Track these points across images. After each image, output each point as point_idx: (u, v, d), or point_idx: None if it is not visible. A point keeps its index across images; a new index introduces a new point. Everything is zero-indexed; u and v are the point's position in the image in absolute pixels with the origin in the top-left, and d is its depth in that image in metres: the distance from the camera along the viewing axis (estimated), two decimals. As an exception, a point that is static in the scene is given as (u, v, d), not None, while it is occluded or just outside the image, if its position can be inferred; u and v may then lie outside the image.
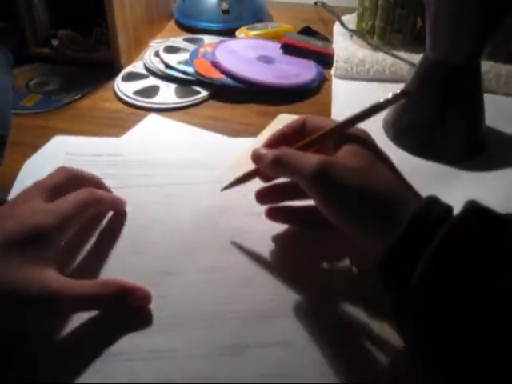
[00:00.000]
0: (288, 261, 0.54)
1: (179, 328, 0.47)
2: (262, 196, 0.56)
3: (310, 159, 0.45)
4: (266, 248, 0.55)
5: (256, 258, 0.54)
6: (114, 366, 0.44)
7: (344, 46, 0.95)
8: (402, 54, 0.91)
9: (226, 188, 0.55)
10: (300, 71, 0.89)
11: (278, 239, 0.56)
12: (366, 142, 0.48)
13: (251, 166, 0.53)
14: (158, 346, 0.46)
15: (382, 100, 0.48)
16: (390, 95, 0.48)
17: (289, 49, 0.95)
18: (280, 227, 0.56)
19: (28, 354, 0.45)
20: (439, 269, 0.38)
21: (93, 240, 0.55)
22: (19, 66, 0.92)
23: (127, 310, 0.48)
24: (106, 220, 0.57)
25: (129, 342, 0.46)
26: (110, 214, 0.58)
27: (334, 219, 0.46)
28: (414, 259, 0.39)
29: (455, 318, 0.38)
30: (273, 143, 0.53)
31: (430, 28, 0.67)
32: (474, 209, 0.40)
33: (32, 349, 0.45)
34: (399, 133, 0.74)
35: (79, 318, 0.47)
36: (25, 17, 0.93)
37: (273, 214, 0.56)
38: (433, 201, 0.42)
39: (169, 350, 0.45)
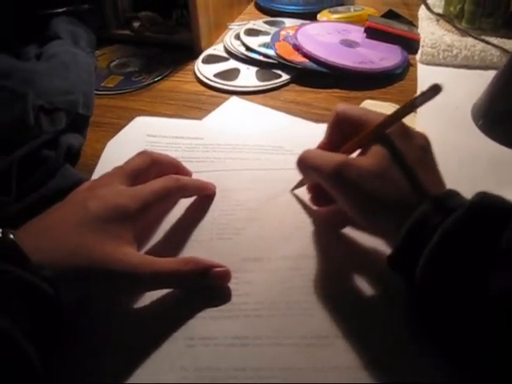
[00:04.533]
0: (376, 254, 0.51)
1: (265, 315, 0.46)
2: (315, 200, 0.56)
3: (330, 159, 0.47)
4: (353, 236, 0.53)
5: (344, 247, 0.52)
6: (200, 350, 0.44)
7: (430, 30, 0.91)
8: (492, 39, 0.86)
9: (294, 189, 0.57)
10: (384, 56, 0.86)
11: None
12: (389, 141, 0.46)
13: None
14: (243, 332, 0.45)
15: (416, 96, 0.45)
16: (418, 93, 0.45)
17: (372, 33, 0.92)
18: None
19: (111, 328, 0.46)
20: (438, 265, 0.40)
21: (175, 222, 0.55)
22: (101, 48, 0.93)
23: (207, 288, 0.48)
24: (189, 203, 0.57)
25: (215, 326, 0.45)
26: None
27: (350, 216, 0.48)
28: (417, 258, 0.41)
29: (456, 314, 0.40)
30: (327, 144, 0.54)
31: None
32: (480, 201, 0.41)
33: (116, 324, 0.46)
34: (490, 121, 0.70)
35: (157, 297, 0.48)
36: (107, -1, 0.93)
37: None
38: (445, 198, 0.42)
39: (254, 337, 0.45)
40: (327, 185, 0.48)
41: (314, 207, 0.55)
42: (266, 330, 0.45)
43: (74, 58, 0.76)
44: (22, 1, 0.89)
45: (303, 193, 0.57)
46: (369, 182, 0.44)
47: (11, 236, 0.42)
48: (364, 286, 0.48)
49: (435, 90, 0.42)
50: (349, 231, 0.53)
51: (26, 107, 0.61)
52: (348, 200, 0.46)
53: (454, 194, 0.43)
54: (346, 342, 0.44)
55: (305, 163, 0.51)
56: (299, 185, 0.57)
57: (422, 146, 0.47)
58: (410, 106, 0.45)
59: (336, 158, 0.47)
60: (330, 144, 0.53)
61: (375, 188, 0.44)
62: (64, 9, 0.92)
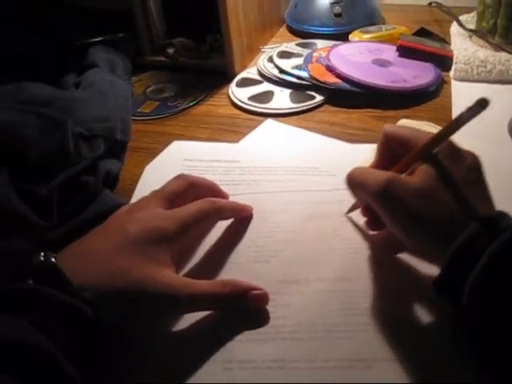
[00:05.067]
0: (414, 275, 0.50)
1: (303, 338, 0.46)
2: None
3: (377, 176, 0.47)
4: (391, 259, 0.52)
5: (382, 269, 0.51)
6: (237, 373, 0.44)
7: (463, 46, 0.90)
8: (527, 53, 0.85)
9: (348, 212, 0.57)
10: (417, 74, 0.85)
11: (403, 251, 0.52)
12: (437, 160, 0.46)
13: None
14: (281, 355, 0.45)
15: (462, 112, 0.44)
16: (464, 108, 0.44)
17: (405, 51, 0.92)
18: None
19: (148, 350, 0.46)
20: (486, 288, 0.39)
21: (212, 245, 0.55)
22: (137, 74, 0.95)
23: (245, 310, 0.48)
24: (226, 226, 0.57)
25: (253, 350, 0.45)
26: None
27: (396, 234, 0.47)
28: (463, 280, 0.40)
29: (503, 338, 0.39)
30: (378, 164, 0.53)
31: None
32: None
33: (153, 346, 0.46)
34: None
35: (196, 320, 0.48)
36: (142, 27, 0.96)
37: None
38: (494, 220, 0.41)
39: (292, 361, 0.44)
40: (374, 202, 0.47)
41: (370, 232, 0.55)
42: (304, 352, 0.45)
43: (111, 85, 0.78)
44: (60, 32, 0.92)
45: (340, 213, 0.57)
46: (415, 200, 0.44)
47: (53, 259, 0.43)
48: (403, 308, 0.47)
49: (482, 104, 0.41)
50: (388, 253, 0.52)
51: (66, 134, 0.62)
52: (394, 218, 0.46)
53: (503, 216, 0.42)
54: (385, 364, 0.43)
55: (353, 180, 0.50)
56: (353, 208, 0.56)
57: (471, 165, 0.46)
58: (457, 123, 0.45)
59: (384, 175, 0.47)
60: (380, 164, 0.52)
61: (422, 207, 0.44)
62: (100, 38, 0.95)
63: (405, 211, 0.44)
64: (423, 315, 0.46)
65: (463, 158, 0.46)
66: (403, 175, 0.48)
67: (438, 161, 0.46)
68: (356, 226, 0.56)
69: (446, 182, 0.45)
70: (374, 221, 0.53)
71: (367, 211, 0.54)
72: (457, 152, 0.47)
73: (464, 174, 0.45)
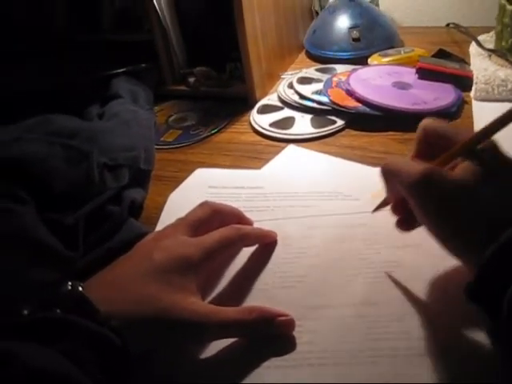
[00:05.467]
0: (441, 297, 0.50)
1: (329, 364, 0.45)
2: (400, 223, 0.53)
3: (417, 166, 0.45)
4: (417, 283, 0.51)
5: (408, 293, 0.51)
6: None
7: (483, 66, 0.90)
8: (547, 72, 0.85)
9: (375, 211, 0.55)
10: (438, 96, 0.85)
11: (430, 274, 0.52)
12: (480, 157, 0.44)
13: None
14: (308, 381, 0.44)
15: (506, 111, 0.44)
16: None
17: (424, 73, 0.92)
18: (432, 262, 0.52)
19: (171, 377, 0.46)
20: None
21: (238, 271, 0.56)
22: (159, 104, 0.96)
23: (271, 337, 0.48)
24: (251, 252, 0.57)
25: (280, 376, 0.45)
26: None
27: (428, 228, 0.46)
28: (504, 286, 0.37)
29: None
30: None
31: None
32: None
33: (180, 374, 0.46)
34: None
35: (222, 347, 0.48)
36: (163, 57, 0.97)
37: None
38: None
39: None
40: (410, 192, 0.45)
41: (401, 231, 0.53)
42: (331, 379, 0.44)
43: (134, 115, 0.79)
44: (84, 64, 0.94)
45: (365, 237, 0.57)
46: (455, 195, 0.42)
47: (80, 288, 0.44)
48: (430, 332, 0.47)
49: None
50: (411, 276, 0.52)
51: (91, 165, 0.63)
52: (430, 212, 0.44)
53: None
54: None
55: (389, 168, 0.48)
56: (382, 205, 0.55)
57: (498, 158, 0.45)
58: (501, 122, 0.44)
59: (423, 165, 0.45)
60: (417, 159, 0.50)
61: (461, 201, 0.42)
62: (123, 69, 0.96)
63: (443, 205, 0.43)
64: (453, 339, 0.46)
65: (505, 156, 0.45)
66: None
67: (481, 157, 0.44)
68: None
69: (489, 179, 0.43)
70: (405, 219, 0.52)
71: (398, 208, 0.52)
72: (499, 150, 0.45)
73: (508, 172, 0.44)
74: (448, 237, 0.44)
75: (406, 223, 0.52)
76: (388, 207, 0.54)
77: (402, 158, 0.50)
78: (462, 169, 0.44)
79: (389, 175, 0.49)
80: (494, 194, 0.42)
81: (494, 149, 0.45)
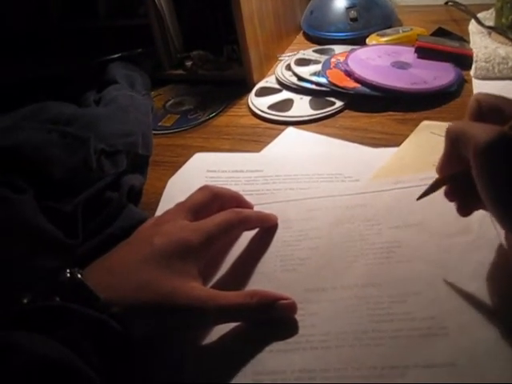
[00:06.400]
0: (444, 275, 0.49)
1: (333, 346, 0.45)
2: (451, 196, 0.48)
3: (490, 128, 0.40)
4: (419, 263, 0.51)
5: (409, 273, 0.50)
6: None
7: (483, 44, 0.89)
8: (549, 48, 0.84)
9: (421, 197, 0.49)
10: (437, 74, 0.84)
11: (431, 254, 0.51)
12: None
13: (399, 175, 0.50)
14: (311, 364, 0.44)
15: None
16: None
17: (424, 52, 0.91)
18: (434, 241, 0.52)
19: (175, 363, 0.46)
20: None
21: (239, 255, 0.55)
22: (156, 89, 0.96)
23: (273, 321, 0.48)
24: (251, 236, 0.57)
25: (282, 360, 0.45)
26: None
27: (492, 203, 0.40)
28: None
29: None
30: None
31: None
32: None
33: (183, 359, 0.46)
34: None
35: (225, 332, 0.47)
36: (159, 41, 0.97)
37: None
38: None
39: (322, 370, 0.43)
40: (480, 158, 0.39)
41: (462, 216, 0.48)
42: (334, 361, 0.44)
43: (131, 100, 0.78)
44: (80, 50, 0.93)
45: (366, 218, 0.56)
46: None
47: (79, 276, 0.44)
48: (432, 312, 0.46)
49: None
50: (412, 256, 0.51)
51: (89, 151, 0.63)
52: (500, 180, 0.39)
53: None
54: (417, 372, 0.42)
55: (457, 131, 0.43)
56: (431, 190, 0.49)
57: None
58: None
59: (497, 127, 0.40)
60: None
61: None
62: (119, 54, 0.96)
63: None
64: (456, 317, 0.45)
65: None
66: None
67: None
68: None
69: None
70: (463, 204, 0.47)
71: (456, 193, 0.47)
72: None
73: None
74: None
75: (465, 207, 0.47)
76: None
77: (469, 121, 0.44)
78: None
79: (456, 138, 0.43)
80: None
81: None
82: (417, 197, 0.49)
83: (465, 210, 0.47)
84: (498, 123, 0.41)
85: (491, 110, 0.44)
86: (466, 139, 0.41)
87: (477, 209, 0.47)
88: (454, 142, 0.43)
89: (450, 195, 0.48)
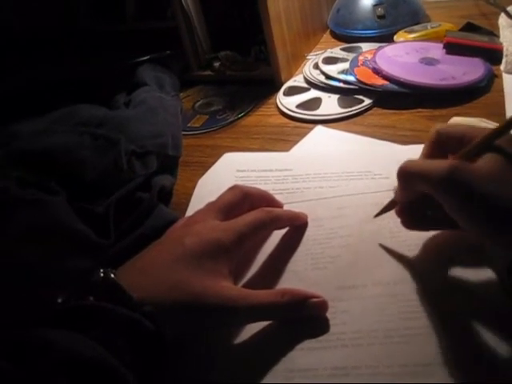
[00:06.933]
0: (471, 278, 0.49)
1: (364, 344, 0.45)
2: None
3: (439, 164, 0.43)
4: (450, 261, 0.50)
5: (438, 271, 0.50)
6: (299, 382, 0.43)
7: (513, 38, 0.88)
8: None
9: (378, 215, 0.55)
10: (467, 70, 0.83)
11: (459, 254, 0.51)
12: (500, 148, 0.43)
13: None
14: (343, 362, 0.44)
15: None
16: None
17: (452, 48, 0.90)
18: (461, 242, 0.51)
19: (207, 362, 0.47)
20: None
21: (269, 254, 0.55)
22: (185, 90, 0.97)
23: (304, 319, 0.48)
24: (282, 234, 0.57)
25: (314, 358, 0.45)
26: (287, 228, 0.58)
27: (463, 224, 0.44)
28: None
29: None
30: None
31: None
32: None
33: (215, 358, 0.47)
34: None
35: (256, 331, 0.48)
36: (187, 43, 0.97)
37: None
38: None
39: (354, 367, 0.44)
40: (438, 191, 0.44)
41: (408, 230, 0.52)
42: (365, 359, 0.44)
43: (160, 102, 0.79)
44: (110, 54, 0.94)
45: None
46: (484, 183, 0.41)
47: (112, 276, 0.44)
48: (466, 309, 0.46)
49: None
50: (445, 254, 0.51)
51: (120, 153, 0.64)
52: (461, 205, 0.43)
53: None
54: (449, 370, 0.42)
55: (409, 171, 0.47)
56: (386, 209, 0.54)
57: None
58: None
59: (446, 162, 0.44)
60: None
61: (491, 190, 0.41)
62: (148, 57, 0.97)
63: (474, 196, 0.41)
64: (485, 314, 0.45)
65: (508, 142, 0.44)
66: None
67: (501, 148, 0.43)
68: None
69: None
70: (411, 220, 0.51)
71: (404, 211, 0.51)
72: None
73: None
74: (484, 228, 0.43)
75: (411, 224, 0.52)
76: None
77: (420, 159, 0.49)
78: (485, 160, 0.43)
79: (409, 178, 0.47)
80: None
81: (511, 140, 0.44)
82: None
83: (410, 225, 0.51)
84: (456, 150, 0.46)
85: (450, 138, 0.47)
86: (421, 178, 0.45)
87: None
88: (408, 180, 0.47)
89: (399, 214, 0.51)
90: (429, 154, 0.50)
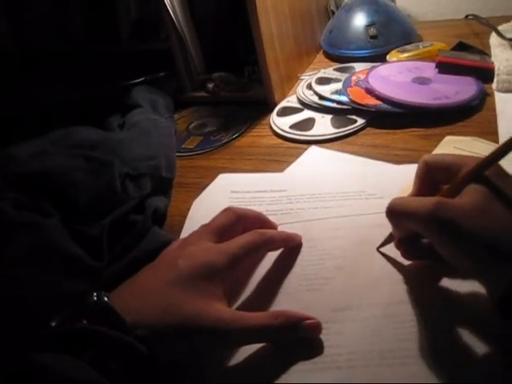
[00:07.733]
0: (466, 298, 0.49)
1: (358, 366, 0.45)
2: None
3: (424, 203, 0.45)
4: (445, 282, 0.50)
5: (435, 291, 0.50)
6: None
7: (504, 57, 0.89)
8: None
9: (380, 247, 0.56)
10: (459, 89, 0.84)
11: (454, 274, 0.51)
12: (486, 180, 0.44)
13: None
14: None
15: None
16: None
17: (444, 67, 0.90)
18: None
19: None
20: None
21: (263, 276, 0.55)
22: (179, 111, 0.97)
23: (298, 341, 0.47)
24: (276, 256, 0.57)
25: (308, 380, 0.45)
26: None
27: (449, 260, 0.45)
28: None
29: None
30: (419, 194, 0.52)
31: None
32: None
33: (205, 381, 0.46)
34: None
35: (250, 353, 0.47)
36: (181, 64, 0.98)
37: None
38: None
39: None
40: (424, 229, 0.46)
41: (406, 262, 0.53)
42: (360, 381, 0.44)
43: (154, 124, 0.79)
44: (104, 75, 0.94)
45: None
46: (468, 219, 0.42)
47: (105, 299, 0.44)
48: (460, 331, 0.46)
49: None
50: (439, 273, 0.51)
51: (113, 175, 0.64)
52: (448, 242, 0.44)
53: None
54: None
55: (396, 211, 0.48)
56: (387, 241, 0.54)
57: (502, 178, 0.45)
58: (507, 146, 0.44)
59: (430, 200, 0.45)
60: (420, 194, 0.51)
61: (475, 226, 0.42)
62: (142, 78, 0.97)
63: (459, 232, 0.42)
64: (479, 338, 0.45)
65: (510, 177, 0.45)
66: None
67: (487, 180, 0.44)
68: (391, 259, 0.54)
69: (500, 197, 0.43)
70: (409, 252, 0.52)
71: (402, 243, 0.52)
72: (503, 172, 0.46)
73: (499, 186, 0.44)
74: (469, 261, 0.44)
75: (409, 255, 0.53)
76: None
77: (407, 197, 0.51)
78: (469, 193, 0.44)
79: (398, 216, 0.49)
80: (506, 210, 0.43)
81: (497, 171, 0.45)
82: None
83: (408, 256, 0.53)
84: (446, 180, 0.48)
85: (438, 169, 0.49)
86: (407, 218, 0.47)
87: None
88: (397, 220, 0.50)
89: (398, 247, 0.53)
90: (419, 185, 0.51)
